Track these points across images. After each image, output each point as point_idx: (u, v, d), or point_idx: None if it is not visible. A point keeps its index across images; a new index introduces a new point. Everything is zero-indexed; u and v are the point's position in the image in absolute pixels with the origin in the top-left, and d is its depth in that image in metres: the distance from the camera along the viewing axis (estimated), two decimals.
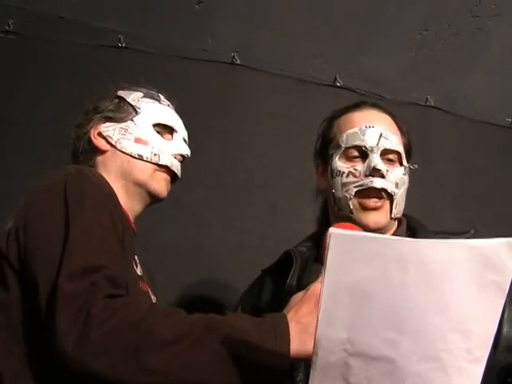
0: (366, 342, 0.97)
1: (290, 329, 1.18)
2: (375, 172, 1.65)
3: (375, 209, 1.66)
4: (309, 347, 1.14)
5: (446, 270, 0.93)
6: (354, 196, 1.66)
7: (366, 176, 1.66)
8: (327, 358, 0.98)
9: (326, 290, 0.95)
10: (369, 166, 1.65)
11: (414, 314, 0.95)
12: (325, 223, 1.80)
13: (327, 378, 0.99)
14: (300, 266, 1.74)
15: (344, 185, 1.68)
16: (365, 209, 1.66)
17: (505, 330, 1.54)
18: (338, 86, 3.20)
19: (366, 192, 1.66)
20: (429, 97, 3.35)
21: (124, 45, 2.93)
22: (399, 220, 1.77)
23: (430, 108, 3.38)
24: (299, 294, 1.26)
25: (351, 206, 1.66)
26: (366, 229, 1.59)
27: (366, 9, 2.98)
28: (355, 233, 0.97)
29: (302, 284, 1.61)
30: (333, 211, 1.74)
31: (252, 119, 3.09)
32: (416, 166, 1.80)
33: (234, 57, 3.06)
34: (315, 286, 1.24)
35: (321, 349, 0.98)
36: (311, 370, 1.00)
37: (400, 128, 1.79)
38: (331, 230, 0.93)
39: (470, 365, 0.96)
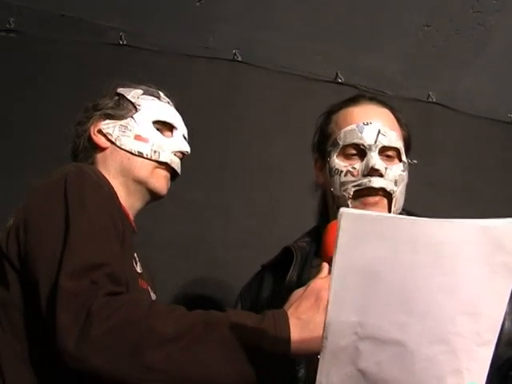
0: (377, 325, 0.96)
1: (291, 325, 1.18)
2: (373, 172, 1.63)
3: (373, 204, 1.66)
4: (310, 343, 1.16)
5: (456, 250, 0.92)
6: (353, 195, 1.66)
7: (364, 176, 1.64)
8: (337, 342, 0.97)
9: (336, 271, 0.94)
10: (367, 165, 1.64)
11: (424, 296, 0.94)
12: (323, 218, 1.79)
13: (337, 363, 0.98)
14: (300, 261, 1.73)
15: (342, 184, 1.67)
16: (363, 204, 1.65)
17: (506, 324, 1.53)
18: (339, 83, 3.20)
19: (365, 191, 1.65)
20: (430, 93, 3.35)
21: (125, 42, 2.93)
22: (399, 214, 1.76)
23: (432, 104, 3.37)
24: (299, 291, 1.26)
25: (350, 206, 1.65)
26: None
27: (367, 5, 2.97)
28: (366, 212, 0.96)
29: (303, 279, 1.61)
30: (332, 209, 1.74)
31: (253, 116, 3.09)
32: (415, 162, 1.79)
33: (235, 54, 3.06)
34: (315, 282, 1.24)
35: (331, 333, 0.97)
36: (321, 355, 0.99)
37: (399, 121, 1.77)
38: (342, 209, 0.92)
39: (480, 348, 0.96)
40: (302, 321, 1.18)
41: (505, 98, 3.42)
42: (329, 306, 0.96)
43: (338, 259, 0.94)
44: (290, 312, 1.21)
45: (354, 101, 1.78)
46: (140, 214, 1.75)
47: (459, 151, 3.40)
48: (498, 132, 3.48)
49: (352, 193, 1.65)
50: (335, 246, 0.93)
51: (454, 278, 0.93)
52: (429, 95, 3.36)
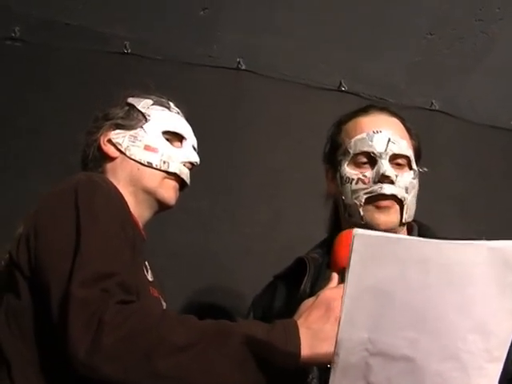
0: (387, 342, 0.97)
1: (301, 335, 1.18)
2: (384, 179, 1.65)
3: (385, 207, 1.66)
4: (320, 353, 1.16)
5: (467, 270, 0.94)
6: (364, 203, 1.67)
7: (375, 183, 1.66)
8: (348, 358, 0.99)
9: (348, 291, 0.96)
10: (378, 172, 1.65)
11: (435, 314, 0.95)
12: (335, 228, 1.79)
13: (348, 378, 1.00)
14: (313, 272, 1.73)
15: (354, 192, 1.68)
16: (374, 209, 1.67)
17: None
18: (343, 91, 3.20)
19: (376, 198, 1.66)
20: (434, 101, 3.36)
21: (129, 51, 2.94)
22: (410, 226, 1.77)
23: (435, 112, 3.38)
24: (309, 300, 1.26)
25: (362, 213, 1.67)
26: (377, 230, 1.59)
27: (370, 13, 2.99)
28: (379, 233, 0.97)
29: (316, 291, 1.60)
30: (344, 217, 1.75)
31: (257, 124, 3.09)
32: (425, 169, 1.80)
33: (239, 62, 3.06)
34: (325, 292, 1.25)
35: (342, 349, 0.98)
36: (331, 371, 1.00)
37: (409, 131, 1.79)
38: (355, 230, 0.93)
39: (489, 364, 0.97)
40: (313, 331, 1.18)
41: (507, 106, 3.43)
42: (340, 324, 0.98)
43: (350, 279, 0.95)
44: (299, 322, 1.21)
45: (364, 111, 1.79)
46: (147, 223, 1.76)
47: (461, 159, 3.40)
48: (500, 140, 3.48)
49: (364, 200, 1.66)
50: (348, 267, 0.95)
51: (464, 297, 0.95)
52: (432, 103, 3.36)
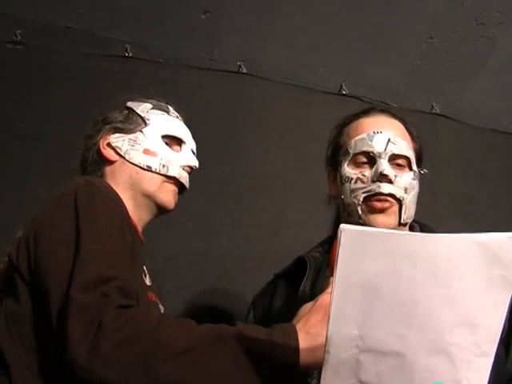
0: (377, 338, 0.98)
1: (300, 339, 1.19)
2: (382, 177, 1.65)
3: (382, 210, 1.66)
4: (318, 357, 1.15)
5: (454, 264, 0.94)
6: (363, 202, 1.67)
7: (374, 181, 1.66)
8: (339, 355, 0.99)
9: (337, 286, 0.96)
10: (376, 171, 1.66)
11: (423, 308, 0.96)
12: (337, 230, 1.79)
13: (338, 376, 1.00)
14: (314, 271, 1.74)
15: (352, 191, 1.68)
16: (372, 210, 1.66)
17: None
18: (343, 95, 3.21)
19: (374, 197, 1.66)
20: (434, 104, 3.36)
21: (131, 54, 2.94)
22: (411, 226, 1.77)
23: (436, 115, 3.38)
24: (308, 305, 1.27)
25: (360, 212, 1.67)
26: None
27: (371, 17, 2.99)
28: (366, 228, 0.98)
29: (316, 290, 1.61)
30: (343, 218, 1.75)
31: (258, 128, 3.10)
32: (426, 171, 1.80)
33: (240, 66, 3.07)
34: (323, 297, 1.25)
35: (332, 346, 0.99)
36: (323, 368, 1.01)
37: (410, 133, 1.79)
38: (342, 226, 0.94)
39: (478, 358, 0.97)
40: (311, 335, 1.19)
41: (508, 110, 3.43)
42: (330, 320, 0.98)
43: (338, 274, 0.96)
44: (298, 326, 1.21)
45: (365, 112, 1.80)
46: (146, 226, 1.76)
47: (462, 162, 3.40)
48: (501, 143, 3.48)
49: (362, 199, 1.67)
50: (336, 262, 0.95)
51: (451, 290, 0.95)
52: (432, 106, 3.37)
